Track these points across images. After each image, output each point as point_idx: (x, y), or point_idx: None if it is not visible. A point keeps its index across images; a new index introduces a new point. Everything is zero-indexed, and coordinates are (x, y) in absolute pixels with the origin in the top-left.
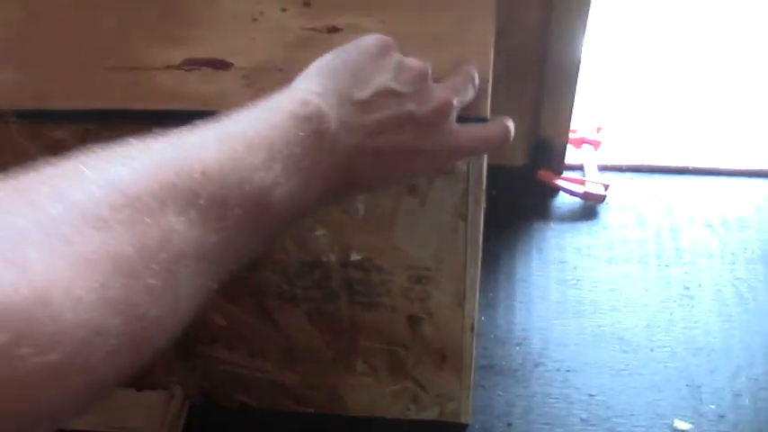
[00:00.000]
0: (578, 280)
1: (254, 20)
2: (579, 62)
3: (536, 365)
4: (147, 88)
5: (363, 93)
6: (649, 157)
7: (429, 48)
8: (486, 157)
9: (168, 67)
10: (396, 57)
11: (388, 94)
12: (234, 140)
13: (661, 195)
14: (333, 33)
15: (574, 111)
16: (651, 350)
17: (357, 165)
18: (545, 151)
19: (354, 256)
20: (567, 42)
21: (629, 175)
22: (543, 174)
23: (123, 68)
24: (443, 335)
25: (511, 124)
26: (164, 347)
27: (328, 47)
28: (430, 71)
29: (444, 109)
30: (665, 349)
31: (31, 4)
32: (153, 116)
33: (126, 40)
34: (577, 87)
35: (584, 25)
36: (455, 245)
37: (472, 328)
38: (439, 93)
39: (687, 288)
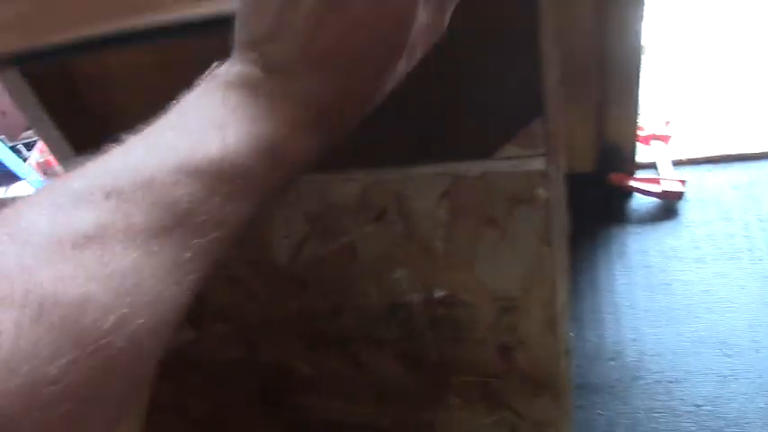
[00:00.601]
0: (667, 284)
1: None
2: (640, 59)
3: (634, 379)
4: None
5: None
6: (725, 145)
7: None
8: (563, 181)
9: None
10: None
11: None
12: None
13: (744, 185)
14: None
15: (640, 110)
16: (757, 351)
17: (300, 73)
18: (614, 154)
19: (438, 294)
20: (626, 40)
21: (705, 167)
22: (615, 177)
23: None
24: (537, 362)
25: None
26: None
27: None
28: None
29: None
30: None
31: None
32: None
33: None
34: (641, 85)
35: (641, 20)
36: (541, 272)
37: (567, 352)
38: None
39: None
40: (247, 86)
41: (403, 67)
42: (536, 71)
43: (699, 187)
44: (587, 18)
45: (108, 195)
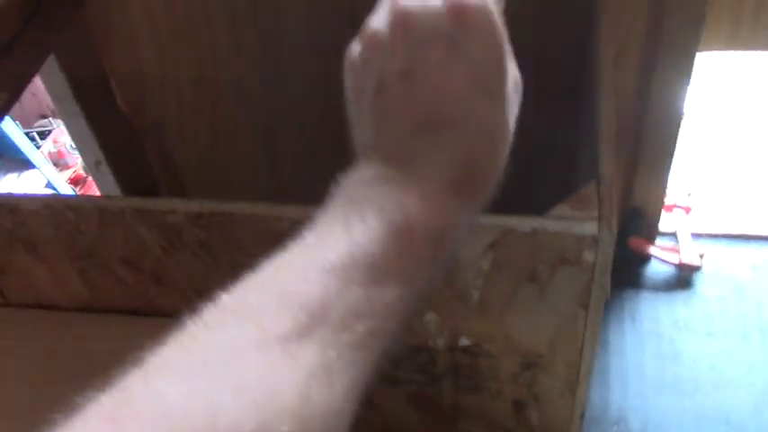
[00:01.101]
0: (676, 354)
1: None
2: (679, 127)
3: None
4: None
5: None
6: (746, 224)
7: None
8: (613, 244)
9: None
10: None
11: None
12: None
13: (761, 266)
14: None
15: (670, 179)
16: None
17: (408, 147)
18: (638, 218)
19: (464, 342)
20: (668, 106)
21: (724, 242)
22: (634, 241)
23: None
24: (550, 421)
25: None
26: None
27: None
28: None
29: (409, 13)
30: None
31: None
32: None
33: None
34: (675, 153)
35: (686, 87)
36: (573, 333)
37: (582, 416)
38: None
39: None
40: (370, 179)
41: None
42: (593, 134)
43: (716, 262)
44: (632, 78)
45: (236, 311)
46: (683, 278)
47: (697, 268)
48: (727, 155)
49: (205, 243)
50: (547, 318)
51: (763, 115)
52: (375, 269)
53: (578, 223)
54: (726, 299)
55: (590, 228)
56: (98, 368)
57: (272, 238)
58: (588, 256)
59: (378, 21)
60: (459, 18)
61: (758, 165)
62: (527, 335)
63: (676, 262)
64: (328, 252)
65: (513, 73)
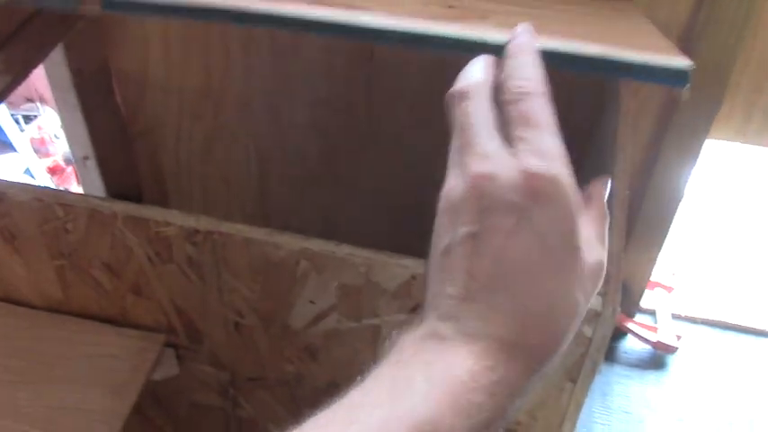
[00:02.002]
0: None
1: None
2: (676, 210)
3: None
4: None
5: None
6: (726, 312)
7: None
8: (614, 323)
9: None
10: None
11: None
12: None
13: (738, 356)
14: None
15: (659, 258)
16: None
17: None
18: (622, 294)
19: None
20: (669, 188)
21: (703, 327)
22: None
23: None
24: None
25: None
26: None
27: None
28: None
29: (482, 182)
30: None
31: None
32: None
33: None
34: (668, 236)
35: (690, 172)
36: (556, 405)
37: None
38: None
39: None
40: (423, 336)
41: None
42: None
43: (693, 346)
44: (639, 155)
45: None
46: (659, 358)
47: (674, 349)
48: (717, 242)
49: (195, 261)
50: None
51: (759, 210)
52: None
53: None
54: (699, 385)
55: (595, 303)
56: (58, 372)
57: (265, 265)
58: (587, 330)
59: (452, 183)
60: (532, 190)
61: (746, 256)
62: None
63: (653, 340)
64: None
65: (595, 254)
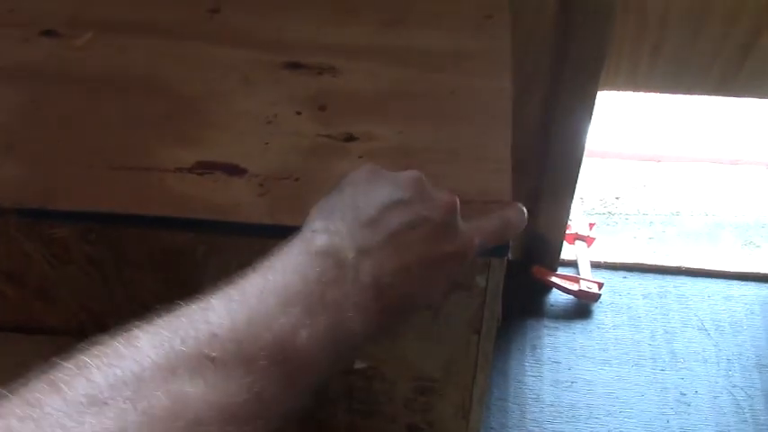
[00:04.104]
0: (573, 382)
1: (269, 122)
2: (581, 161)
3: None
4: (156, 192)
5: (369, 212)
6: (642, 256)
7: (446, 162)
8: (504, 270)
9: (179, 169)
10: (388, 174)
11: (391, 206)
12: (244, 294)
13: (655, 296)
14: (349, 142)
15: (571, 208)
16: None
17: (387, 285)
18: (540, 247)
19: (358, 365)
20: (569, 141)
21: (621, 273)
22: (537, 270)
23: (132, 168)
24: None
25: (523, 207)
26: None
27: (344, 155)
28: (423, 176)
29: (450, 207)
30: None
31: (35, 91)
32: (161, 223)
33: (133, 137)
34: (577, 186)
35: (588, 125)
36: (466, 357)
37: None
38: (441, 194)
39: (684, 395)
40: (336, 263)
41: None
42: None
43: (613, 292)
44: (536, 112)
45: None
46: (583, 307)
47: (596, 297)
48: (628, 188)
49: (94, 259)
50: (441, 342)
51: (657, 153)
52: (255, 373)
53: None
54: (621, 327)
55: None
56: None
57: (164, 254)
58: (480, 281)
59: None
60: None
61: (655, 197)
62: (421, 359)
63: (576, 290)
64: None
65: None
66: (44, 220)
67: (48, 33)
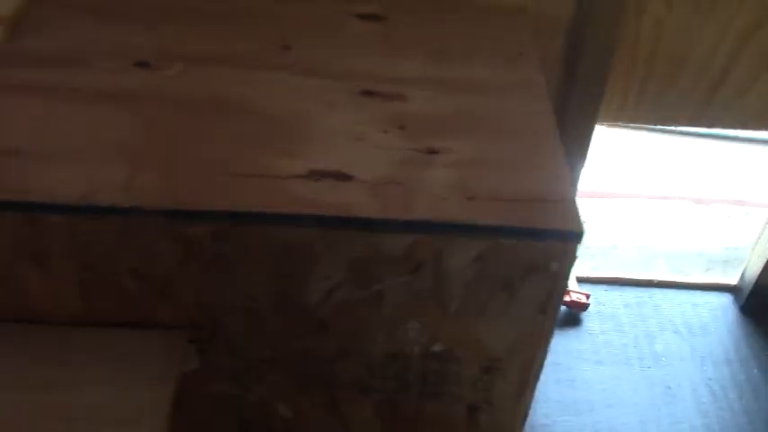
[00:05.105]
0: (573, 380)
1: (359, 139)
2: (579, 178)
3: None
4: (277, 194)
5: None
6: (618, 270)
7: (515, 170)
8: (575, 256)
9: (295, 176)
10: None
11: None
12: None
13: (633, 305)
14: (432, 154)
15: None
16: None
17: None
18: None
19: (436, 348)
20: None
21: (602, 286)
22: None
23: (251, 176)
24: (497, 424)
25: None
26: None
27: (432, 165)
28: None
29: None
30: None
31: (145, 113)
32: (289, 220)
33: (241, 150)
34: None
35: (584, 159)
36: (530, 337)
37: (525, 418)
38: None
39: (669, 388)
40: None
41: None
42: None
43: (597, 302)
44: None
45: None
46: (573, 316)
47: (586, 307)
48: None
49: (220, 255)
50: (511, 322)
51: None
52: None
53: (550, 234)
54: (608, 332)
55: (561, 239)
56: (92, 376)
57: (281, 249)
58: (554, 265)
59: None
60: None
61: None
62: (492, 339)
63: (567, 301)
64: None
65: None
66: (180, 219)
67: (141, 65)
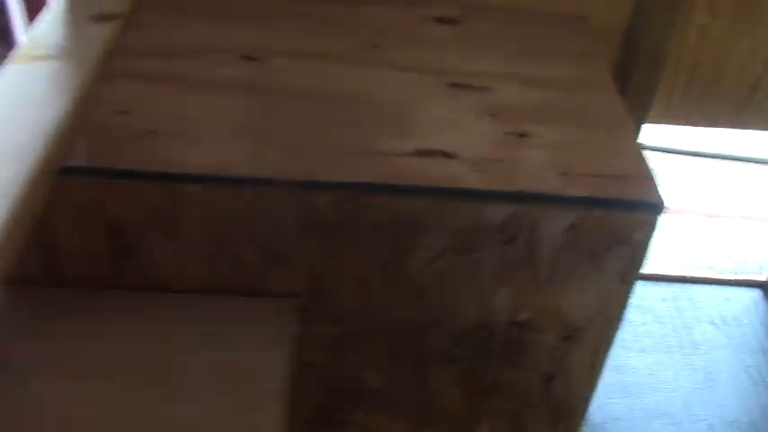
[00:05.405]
0: (620, 366)
1: (456, 124)
2: None
3: None
4: (393, 169)
5: None
6: (654, 265)
7: (598, 154)
8: (656, 227)
9: (405, 153)
10: None
11: None
12: None
13: (670, 299)
14: (523, 138)
15: None
16: (694, 423)
17: None
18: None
19: (521, 317)
20: None
21: (640, 282)
22: None
23: (367, 153)
24: (570, 392)
25: None
26: None
27: (525, 146)
28: None
29: None
30: (703, 423)
31: (259, 100)
32: (406, 191)
33: (355, 132)
34: None
35: None
36: (608, 307)
37: (595, 389)
38: None
39: (710, 373)
40: None
41: None
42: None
43: (637, 296)
44: None
45: None
46: None
47: None
48: None
49: (338, 224)
50: (593, 291)
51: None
52: None
53: (635, 206)
54: (649, 324)
55: (645, 210)
56: (209, 339)
57: (390, 220)
58: (638, 236)
59: None
60: None
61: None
62: (573, 308)
63: None
64: None
65: None
66: (308, 190)
67: (247, 58)
